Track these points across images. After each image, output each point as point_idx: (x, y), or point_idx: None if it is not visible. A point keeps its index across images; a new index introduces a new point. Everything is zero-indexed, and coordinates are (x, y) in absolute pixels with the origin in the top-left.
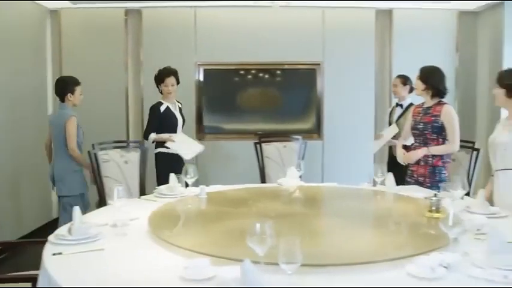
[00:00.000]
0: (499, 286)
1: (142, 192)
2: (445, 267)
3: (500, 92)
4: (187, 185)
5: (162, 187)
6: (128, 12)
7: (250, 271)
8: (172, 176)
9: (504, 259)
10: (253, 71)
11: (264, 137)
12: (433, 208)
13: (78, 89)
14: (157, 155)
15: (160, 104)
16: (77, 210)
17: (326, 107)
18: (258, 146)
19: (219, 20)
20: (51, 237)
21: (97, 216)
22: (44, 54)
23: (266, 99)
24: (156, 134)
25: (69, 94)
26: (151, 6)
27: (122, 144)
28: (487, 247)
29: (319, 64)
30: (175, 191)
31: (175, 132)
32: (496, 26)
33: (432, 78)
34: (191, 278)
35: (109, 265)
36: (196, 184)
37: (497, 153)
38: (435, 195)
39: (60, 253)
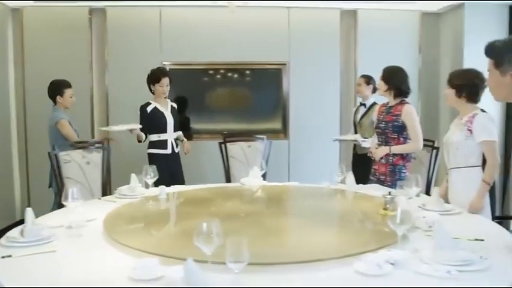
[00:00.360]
0: (443, 286)
1: (105, 193)
2: (392, 264)
3: (450, 92)
4: (147, 186)
5: (123, 187)
6: (92, 11)
7: (193, 271)
8: (133, 176)
9: (449, 254)
10: (219, 71)
11: (229, 136)
12: (388, 206)
13: (67, 92)
14: (149, 155)
15: (148, 104)
16: (29, 211)
17: (292, 107)
18: (222, 145)
19: (184, 20)
20: (2, 240)
21: (53, 217)
22: (5, 53)
23: (234, 99)
24: (147, 134)
25: (58, 96)
26: (115, 5)
27: (84, 145)
28: (434, 243)
29: (285, 64)
30: (135, 191)
31: (165, 131)
32: (457, 27)
33: (394, 79)
34: (139, 278)
35: (59, 267)
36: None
37: (450, 152)
38: (389, 193)
39: (9, 256)
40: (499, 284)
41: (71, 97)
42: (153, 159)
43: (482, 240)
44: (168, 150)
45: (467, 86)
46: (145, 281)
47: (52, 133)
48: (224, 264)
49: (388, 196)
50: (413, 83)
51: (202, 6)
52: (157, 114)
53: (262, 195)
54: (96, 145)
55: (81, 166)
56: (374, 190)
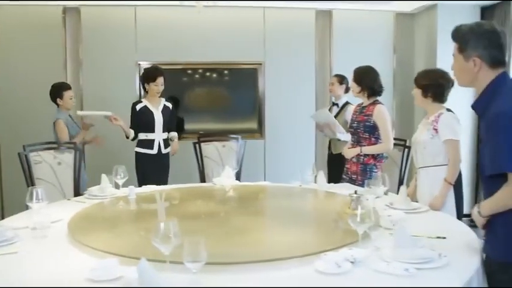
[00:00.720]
0: (399, 284)
1: (77, 193)
2: (352, 262)
3: (417, 92)
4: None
5: (94, 188)
6: (65, 10)
7: (146, 271)
8: (103, 176)
9: (408, 252)
10: (195, 71)
11: (203, 136)
12: (353, 205)
13: (66, 94)
14: (136, 154)
15: (138, 102)
16: None
17: (267, 107)
18: (197, 145)
19: (160, 19)
20: None
21: (19, 219)
22: None
23: (210, 99)
24: (135, 131)
25: (58, 99)
26: (89, 4)
27: (54, 146)
28: (393, 242)
29: (260, 64)
30: (105, 191)
31: (152, 130)
32: (431, 28)
33: (366, 79)
34: (97, 279)
35: (19, 268)
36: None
37: (418, 151)
38: (355, 192)
39: None
40: (456, 281)
41: (71, 98)
42: (139, 158)
43: (444, 238)
44: (154, 151)
45: (433, 85)
46: (103, 281)
47: (53, 132)
48: (182, 264)
49: (354, 195)
50: (387, 83)
51: (177, 6)
52: (146, 112)
53: (233, 195)
54: (68, 145)
55: (52, 167)
56: (345, 189)
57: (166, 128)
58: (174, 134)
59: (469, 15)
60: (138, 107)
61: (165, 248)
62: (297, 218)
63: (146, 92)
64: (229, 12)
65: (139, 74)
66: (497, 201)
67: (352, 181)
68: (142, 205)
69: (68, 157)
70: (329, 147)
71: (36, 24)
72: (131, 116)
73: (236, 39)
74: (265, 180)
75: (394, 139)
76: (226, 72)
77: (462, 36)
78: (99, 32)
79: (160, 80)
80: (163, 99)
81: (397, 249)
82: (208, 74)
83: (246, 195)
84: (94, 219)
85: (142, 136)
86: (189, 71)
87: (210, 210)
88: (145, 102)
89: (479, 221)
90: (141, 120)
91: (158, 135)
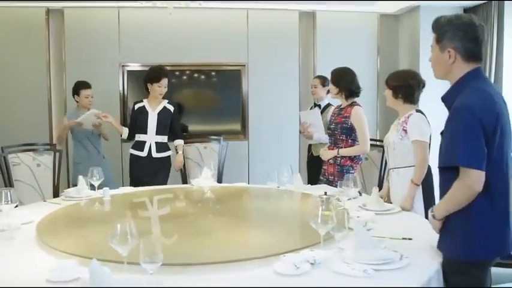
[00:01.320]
0: (356, 285)
1: (56, 195)
2: (312, 263)
3: (388, 93)
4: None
5: (70, 189)
6: (49, 11)
7: (96, 271)
8: (80, 178)
9: (368, 254)
10: (180, 72)
11: (185, 138)
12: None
13: (82, 92)
14: (130, 155)
15: (139, 102)
16: None
17: (251, 108)
18: None
19: (143, 21)
20: None
21: None
22: None
23: (195, 100)
24: (132, 131)
25: (75, 96)
26: (72, 6)
27: (32, 147)
28: (354, 243)
29: (244, 65)
30: (81, 193)
31: (145, 131)
32: (414, 28)
33: (343, 80)
34: (55, 280)
35: None
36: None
37: (389, 152)
38: (325, 193)
39: None
40: (413, 282)
41: (87, 97)
42: (131, 159)
43: (411, 239)
44: (144, 153)
45: (403, 86)
46: (60, 282)
47: None
48: (140, 265)
49: (324, 196)
50: (372, 83)
51: (161, 8)
52: (142, 113)
53: (209, 196)
54: (46, 147)
55: (31, 168)
56: (321, 190)
57: (167, 133)
58: (178, 143)
59: None
60: (136, 106)
61: (122, 249)
62: (267, 219)
63: (148, 92)
64: (212, 13)
65: (122, 75)
66: (451, 199)
67: (329, 182)
68: (115, 207)
69: (47, 159)
70: (309, 149)
71: (19, 26)
72: (131, 115)
73: (219, 40)
74: (248, 181)
75: (374, 140)
76: (210, 73)
77: (440, 27)
78: (83, 34)
79: (165, 81)
80: (165, 101)
81: (358, 251)
82: (192, 75)
83: (222, 196)
84: (63, 221)
85: (136, 137)
86: (174, 72)
87: (182, 212)
88: (144, 103)
89: (435, 224)
90: (136, 121)
91: (150, 137)
